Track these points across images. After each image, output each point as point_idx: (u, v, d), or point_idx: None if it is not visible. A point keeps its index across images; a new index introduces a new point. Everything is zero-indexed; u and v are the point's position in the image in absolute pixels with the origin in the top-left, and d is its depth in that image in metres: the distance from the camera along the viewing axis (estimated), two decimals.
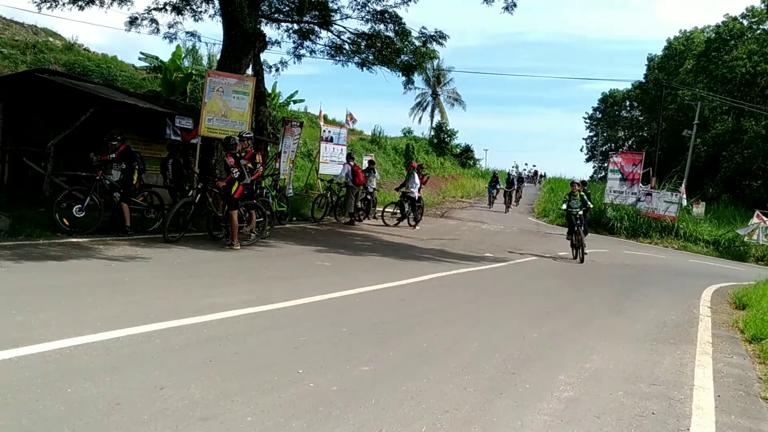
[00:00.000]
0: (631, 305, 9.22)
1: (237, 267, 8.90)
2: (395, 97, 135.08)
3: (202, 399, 3.66)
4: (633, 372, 5.35)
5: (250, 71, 21.05)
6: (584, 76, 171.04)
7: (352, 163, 19.02)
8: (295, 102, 34.50)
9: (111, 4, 19.92)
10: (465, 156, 51.14)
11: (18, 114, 14.32)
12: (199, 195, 11.08)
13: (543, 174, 59.02)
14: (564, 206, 15.54)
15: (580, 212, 15.16)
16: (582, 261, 14.52)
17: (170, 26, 20.69)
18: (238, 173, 10.70)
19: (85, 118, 12.93)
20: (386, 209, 19.90)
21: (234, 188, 10.67)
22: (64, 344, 4.33)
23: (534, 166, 59.05)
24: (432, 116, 64.13)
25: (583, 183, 19.49)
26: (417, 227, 18.89)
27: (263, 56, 19.76)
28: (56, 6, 19.47)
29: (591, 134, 77.23)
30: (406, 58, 20.92)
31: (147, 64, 29.64)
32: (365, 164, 21.08)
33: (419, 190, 19.78)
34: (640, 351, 6.23)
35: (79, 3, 19.73)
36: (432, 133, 53.07)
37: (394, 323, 6.29)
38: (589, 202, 15.53)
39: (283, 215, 15.82)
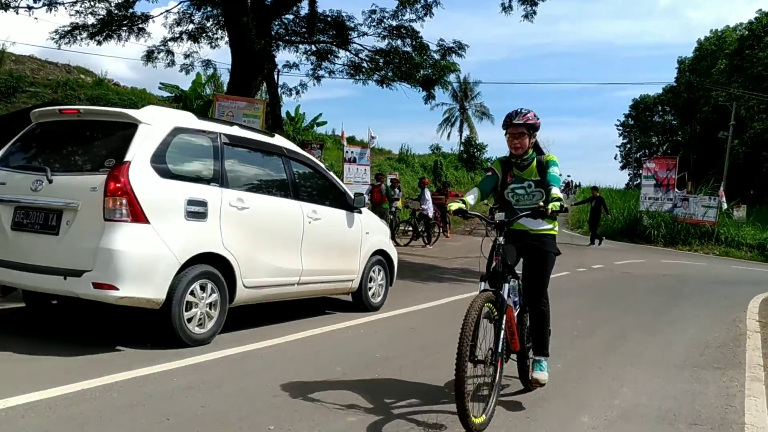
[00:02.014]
0: (668, 323, 8.44)
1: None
2: (422, 114, 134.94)
3: None
4: (670, 408, 4.61)
5: (265, 95, 20.80)
6: (613, 83, 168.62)
7: (374, 183, 18.70)
8: (318, 125, 34.38)
9: (128, 37, 19.84)
10: None
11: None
12: None
13: (577, 184, 57.63)
14: None
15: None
16: None
17: (186, 56, 20.56)
18: None
19: None
20: (399, 227, 19.36)
21: None
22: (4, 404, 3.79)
23: (569, 176, 57.60)
24: (460, 131, 63.41)
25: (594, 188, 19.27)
26: (430, 246, 18.37)
27: (282, 80, 19.52)
28: (74, 41, 19.43)
29: (624, 141, 75.83)
30: (426, 72, 20.41)
31: (169, 94, 29.73)
32: (389, 183, 20.60)
33: (432, 207, 19.25)
34: (678, 380, 5.49)
35: (97, 38, 19.72)
36: (461, 149, 52.41)
37: (398, 358, 5.64)
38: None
39: None
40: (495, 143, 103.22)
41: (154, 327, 5.49)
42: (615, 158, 77.99)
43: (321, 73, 21.15)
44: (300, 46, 20.75)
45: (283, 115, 31.73)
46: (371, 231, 7.89)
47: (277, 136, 7.09)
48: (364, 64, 21.08)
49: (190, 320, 5.46)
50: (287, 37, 20.06)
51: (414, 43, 20.02)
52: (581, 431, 4.04)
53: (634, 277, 14.17)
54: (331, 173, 7.69)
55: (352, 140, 38.20)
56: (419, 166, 41.43)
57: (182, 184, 5.54)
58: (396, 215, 19.27)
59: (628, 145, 73.96)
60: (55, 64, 36.39)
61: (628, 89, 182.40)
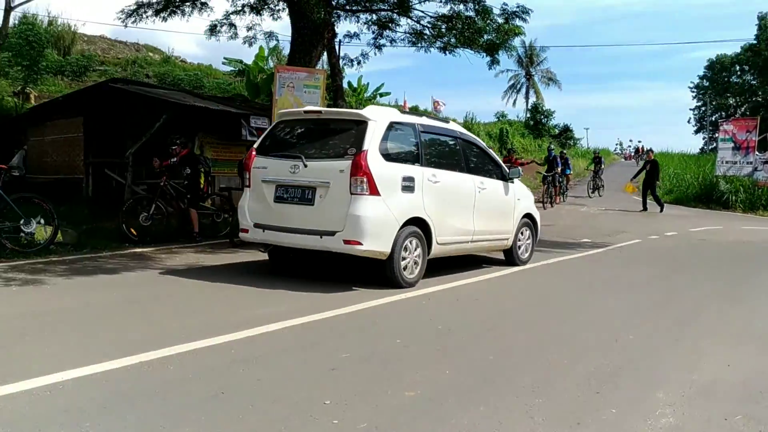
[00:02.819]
0: (750, 292, 7.95)
1: (301, 269, 8.31)
2: (487, 82, 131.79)
3: None
4: (755, 385, 4.25)
5: (326, 65, 20.65)
6: (689, 42, 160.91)
7: None
8: (381, 95, 34.04)
9: (191, 12, 19.97)
10: (564, 136, 48.97)
11: (98, 126, 14.42)
12: None
13: (649, 149, 55.56)
14: None
15: None
16: None
17: (249, 29, 20.56)
18: None
19: (160, 124, 12.77)
20: None
21: None
22: (58, 378, 3.78)
23: (639, 142, 55.52)
24: (527, 98, 62.07)
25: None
26: None
27: (344, 50, 19.32)
28: (140, 19, 19.67)
29: (698, 104, 72.49)
30: (489, 37, 19.82)
31: (233, 68, 29.93)
32: None
33: None
34: (763, 353, 5.11)
35: (162, 15, 19.93)
36: (527, 115, 51.24)
37: (460, 330, 5.44)
38: None
39: None
40: (562, 109, 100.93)
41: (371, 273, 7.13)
42: (689, 122, 74.61)
43: (382, 42, 20.81)
44: (361, 15, 20.51)
45: (345, 85, 31.66)
46: (521, 198, 9.31)
47: (451, 122, 8.92)
48: (426, 31, 20.64)
49: (404, 268, 7.13)
50: (348, 7, 19.83)
51: (477, 7, 19.45)
52: (656, 409, 3.74)
53: (712, 244, 13.46)
54: (491, 150, 9.23)
55: (415, 110, 37.88)
56: (485, 134, 40.67)
57: (398, 165, 7.25)
58: None
59: (703, 108, 70.72)
60: (125, 43, 37.26)
61: (703, 49, 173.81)
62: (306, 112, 7.85)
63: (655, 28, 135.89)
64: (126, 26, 19.77)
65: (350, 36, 21.04)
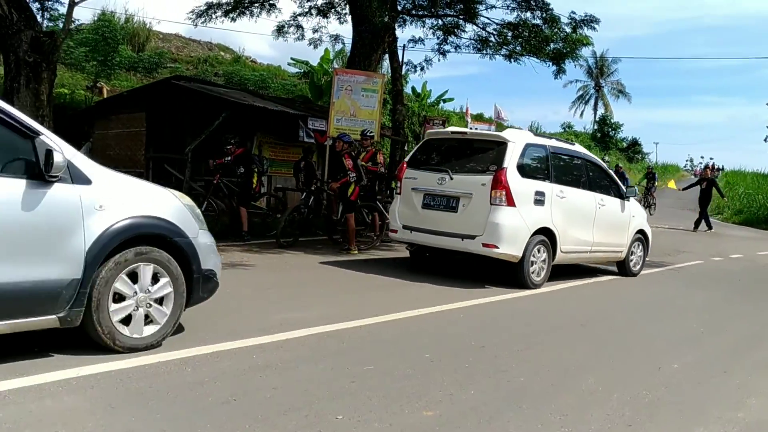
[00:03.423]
0: None
1: (340, 275, 8.26)
2: (554, 92, 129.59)
3: None
4: None
5: (388, 70, 20.60)
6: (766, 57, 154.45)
7: None
8: (444, 101, 33.85)
9: (260, 13, 20.33)
10: (632, 150, 47.83)
11: (159, 122, 14.77)
12: (312, 197, 10.64)
13: (720, 167, 53.41)
14: None
15: None
16: None
17: (315, 31, 20.75)
18: (355, 176, 10.05)
19: (219, 122, 12.97)
20: None
21: (350, 190, 10.05)
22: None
23: (711, 159, 53.40)
24: (595, 109, 60.65)
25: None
26: None
27: (408, 56, 19.25)
28: (210, 20, 20.16)
29: None
30: (556, 46, 19.44)
31: (298, 70, 30.25)
32: None
33: None
34: None
35: (231, 15, 20.35)
36: (595, 127, 50.16)
37: (494, 347, 5.24)
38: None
39: None
40: (631, 123, 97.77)
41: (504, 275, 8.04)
42: (765, 140, 71.70)
43: (446, 48, 20.71)
44: (426, 20, 20.40)
45: (409, 91, 31.56)
46: (635, 215, 10.13)
47: (576, 144, 9.72)
48: (492, 38, 20.42)
49: (533, 271, 8.07)
50: (413, 12, 19.76)
51: (544, 15, 19.10)
52: None
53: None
54: (611, 171, 10.22)
55: (479, 117, 37.50)
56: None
57: (531, 181, 8.15)
58: None
59: None
60: (198, 42, 38.19)
61: None
62: (453, 132, 9.32)
63: (732, 42, 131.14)
64: (196, 26, 20.23)
65: (414, 41, 21.02)
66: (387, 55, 18.78)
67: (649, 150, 54.60)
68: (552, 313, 6.99)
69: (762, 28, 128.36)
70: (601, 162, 10.05)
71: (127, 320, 4.20)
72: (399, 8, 18.24)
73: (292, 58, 30.66)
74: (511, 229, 7.79)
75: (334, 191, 10.59)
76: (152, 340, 4.31)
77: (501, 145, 8.09)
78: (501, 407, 3.87)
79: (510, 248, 7.81)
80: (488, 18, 19.51)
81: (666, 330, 6.53)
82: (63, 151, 3.79)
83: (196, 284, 4.59)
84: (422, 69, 21.19)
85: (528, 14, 19.26)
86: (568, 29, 18.99)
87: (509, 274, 8.10)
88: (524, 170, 8.09)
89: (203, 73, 29.94)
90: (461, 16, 19.82)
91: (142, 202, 4.31)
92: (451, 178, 8.16)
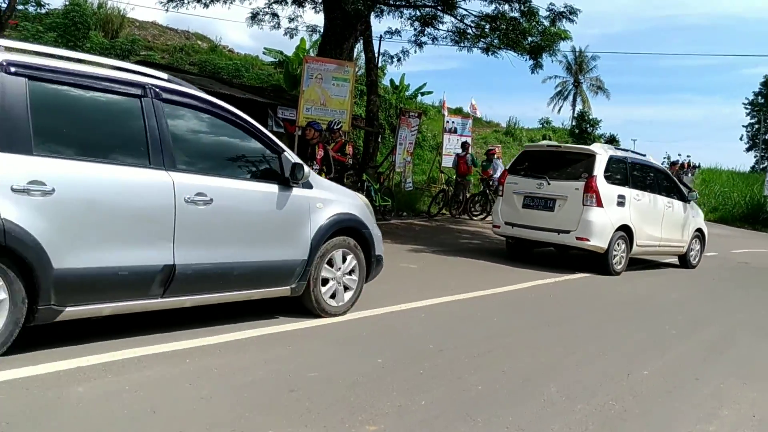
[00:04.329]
0: None
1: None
2: (533, 88, 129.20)
3: None
4: None
5: (363, 61, 20.19)
6: (746, 59, 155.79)
7: (459, 154, 17.88)
8: (423, 94, 33.48)
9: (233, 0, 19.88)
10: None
11: None
12: None
13: (697, 165, 53.32)
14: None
15: None
16: None
17: (290, 20, 20.30)
18: (318, 169, 9.71)
19: None
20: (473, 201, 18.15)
21: None
22: None
23: (688, 156, 53.25)
24: (573, 105, 60.71)
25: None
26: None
27: (385, 47, 18.85)
28: (182, 5, 19.65)
29: (752, 121, 70.03)
30: (534, 39, 19.13)
31: (273, 59, 29.68)
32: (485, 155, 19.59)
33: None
34: None
35: (203, 1, 19.84)
36: (573, 123, 50.02)
37: (453, 350, 4.90)
38: None
39: (388, 210, 14.66)
40: (609, 119, 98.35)
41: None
42: (741, 139, 72.11)
43: (424, 39, 20.38)
44: (404, 11, 20.00)
45: (387, 83, 31.14)
46: (695, 216, 11.72)
47: (648, 156, 11.22)
48: (469, 31, 20.11)
49: (615, 261, 9.64)
50: (390, 1, 19.36)
51: (522, 8, 18.80)
52: None
53: (754, 268, 12.68)
54: (676, 179, 11.84)
55: (459, 111, 37.22)
56: (527, 140, 39.80)
57: (615, 186, 9.69)
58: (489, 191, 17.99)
59: (756, 126, 68.25)
60: (176, 30, 37.38)
61: (760, 66, 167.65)
62: (548, 146, 11.26)
63: (710, 41, 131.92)
64: (167, 11, 19.68)
65: (392, 32, 20.64)
66: (362, 45, 18.43)
67: (627, 147, 54.73)
68: (518, 313, 6.67)
69: (739, 27, 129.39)
70: (668, 171, 11.97)
71: (330, 293, 5.52)
72: None
73: (266, 48, 30.04)
74: (599, 226, 9.35)
75: None
76: (345, 308, 5.64)
77: (591, 157, 9.66)
78: (453, 420, 3.53)
79: (599, 241, 9.35)
80: (466, 9, 19.13)
81: (638, 332, 6.24)
82: (304, 165, 5.07)
83: (372, 266, 5.84)
84: (399, 60, 20.82)
85: (506, 6, 18.98)
86: (546, 23, 18.71)
87: (596, 263, 9.59)
88: (609, 177, 9.64)
89: (176, 62, 29.28)
90: (439, 7, 19.45)
91: (341, 201, 5.57)
92: (549, 183, 9.69)
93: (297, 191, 5.10)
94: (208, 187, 4.43)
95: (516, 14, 18.89)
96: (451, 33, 20.76)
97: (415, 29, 20.15)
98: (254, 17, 20.21)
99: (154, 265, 4.14)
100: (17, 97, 3.61)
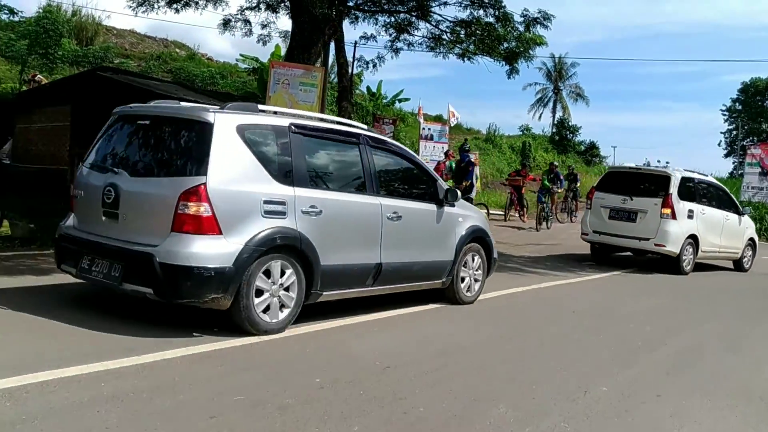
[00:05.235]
0: (762, 338, 7.00)
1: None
2: (514, 96, 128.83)
3: None
4: None
5: (334, 67, 19.88)
6: (723, 65, 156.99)
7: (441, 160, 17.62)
8: (400, 101, 33.23)
9: (206, 5, 19.46)
10: (589, 153, 47.65)
11: (85, 116, 13.80)
12: None
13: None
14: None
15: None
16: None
17: (263, 26, 19.94)
18: None
19: None
20: None
21: None
22: None
23: (667, 162, 53.55)
24: (553, 112, 60.65)
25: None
26: None
27: (361, 52, 18.55)
28: (151, 9, 19.17)
29: (730, 127, 70.55)
30: (509, 45, 18.94)
31: (248, 66, 29.35)
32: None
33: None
34: (765, 421, 4.20)
35: (174, 6, 19.40)
36: (553, 130, 50.03)
37: (400, 368, 4.57)
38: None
39: None
40: (589, 126, 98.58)
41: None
42: (719, 145, 72.56)
43: (399, 45, 20.08)
44: (378, 17, 19.73)
45: (363, 89, 30.90)
46: (748, 227, 13.57)
47: (710, 176, 13.49)
48: (445, 36, 19.87)
49: (685, 264, 11.58)
50: (363, 6, 19.08)
51: (497, 13, 18.59)
52: None
53: (727, 275, 12.56)
54: (731, 195, 13.83)
55: (439, 119, 37.00)
56: (507, 147, 39.66)
57: (685, 202, 11.60)
58: (470, 197, 17.67)
59: (734, 132, 68.73)
60: (154, 38, 36.96)
61: (737, 73, 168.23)
62: (630, 168, 12.56)
63: (689, 49, 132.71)
64: (136, 15, 19.22)
65: (366, 38, 20.34)
66: (334, 51, 18.11)
67: (607, 153, 54.58)
68: (478, 325, 6.38)
69: (716, 35, 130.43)
70: (726, 188, 13.77)
71: (467, 287, 7.14)
72: (350, 3, 17.62)
73: (241, 54, 29.72)
74: (674, 235, 11.22)
75: None
76: (475, 297, 7.26)
77: (666, 178, 11.54)
78: None
79: (673, 247, 11.23)
80: (441, 15, 18.87)
81: (602, 344, 5.96)
82: (457, 191, 6.96)
83: (492, 264, 7.46)
84: (375, 66, 20.47)
85: (481, 12, 18.78)
86: (521, 28, 18.53)
87: (669, 266, 11.47)
88: (681, 194, 11.45)
89: (149, 70, 28.88)
90: (414, 13, 19.20)
91: (473, 216, 7.24)
92: (632, 199, 11.54)
93: (447, 209, 6.74)
94: (399, 207, 6.15)
95: (491, 20, 18.67)
96: (426, 39, 20.51)
97: (390, 35, 19.88)
98: (226, 24, 19.82)
99: (370, 263, 5.84)
100: (300, 148, 5.34)
